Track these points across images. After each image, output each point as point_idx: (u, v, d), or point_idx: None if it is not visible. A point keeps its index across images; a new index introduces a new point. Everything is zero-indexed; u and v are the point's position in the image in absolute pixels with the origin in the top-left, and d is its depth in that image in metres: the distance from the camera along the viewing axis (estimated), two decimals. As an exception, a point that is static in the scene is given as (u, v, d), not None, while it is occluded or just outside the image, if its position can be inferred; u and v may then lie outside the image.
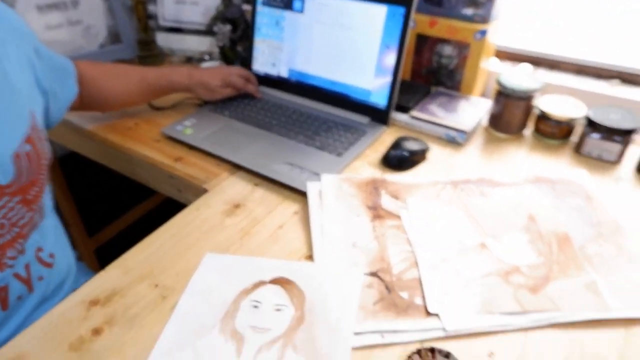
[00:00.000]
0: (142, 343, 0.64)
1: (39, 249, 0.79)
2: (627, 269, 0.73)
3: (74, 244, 1.43)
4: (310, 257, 0.76)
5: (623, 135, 0.95)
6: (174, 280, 0.72)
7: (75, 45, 1.33)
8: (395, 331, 0.65)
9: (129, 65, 1.11)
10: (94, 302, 0.69)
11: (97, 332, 0.65)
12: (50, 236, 0.83)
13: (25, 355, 0.62)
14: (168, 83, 1.10)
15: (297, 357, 0.61)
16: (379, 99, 1.07)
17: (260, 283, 0.70)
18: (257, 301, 0.68)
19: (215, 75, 1.14)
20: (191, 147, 1.03)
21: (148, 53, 1.42)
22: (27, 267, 0.77)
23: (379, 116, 1.09)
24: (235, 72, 1.17)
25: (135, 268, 0.74)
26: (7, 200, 0.71)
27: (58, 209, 1.41)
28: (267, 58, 1.22)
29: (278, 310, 0.66)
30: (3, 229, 0.71)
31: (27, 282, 0.77)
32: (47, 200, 0.83)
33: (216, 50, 1.39)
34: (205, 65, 1.38)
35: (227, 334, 0.64)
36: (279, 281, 0.71)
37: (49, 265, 0.81)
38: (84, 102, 1.00)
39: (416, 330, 0.65)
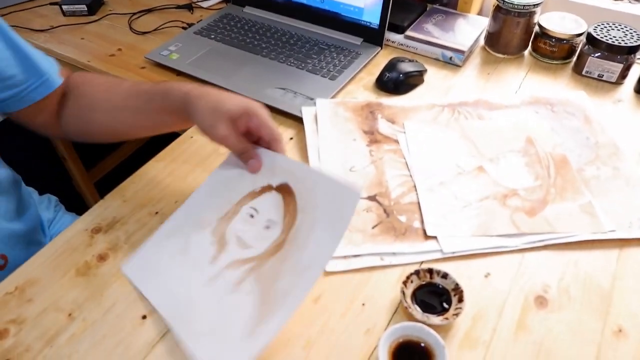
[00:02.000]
0: (147, 268, 0.67)
1: None
2: (623, 191, 0.76)
3: (72, 178, 1.44)
4: (308, 183, 0.78)
5: (625, 54, 0.95)
6: (174, 208, 0.73)
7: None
8: (394, 253, 0.68)
9: (126, 79, 0.79)
10: (96, 230, 0.71)
11: (102, 258, 0.68)
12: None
13: (36, 280, 0.66)
14: (162, 94, 0.70)
15: (251, 288, 0.62)
16: (372, 18, 1.06)
17: (268, 187, 0.69)
18: (255, 210, 0.68)
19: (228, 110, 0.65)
20: (179, 73, 1.02)
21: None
22: None
23: (372, 36, 1.07)
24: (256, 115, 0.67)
25: (134, 197, 0.76)
26: None
27: (51, 144, 1.40)
28: (253, -26, 1.18)
29: (267, 227, 0.67)
30: None
31: None
32: None
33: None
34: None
35: (217, 236, 0.66)
36: (284, 190, 0.69)
37: None
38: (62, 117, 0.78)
39: (414, 253, 0.69)
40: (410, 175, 0.79)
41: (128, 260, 0.67)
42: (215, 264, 0.64)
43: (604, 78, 0.99)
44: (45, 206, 0.98)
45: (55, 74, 0.76)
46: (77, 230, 0.71)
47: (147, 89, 0.71)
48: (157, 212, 0.74)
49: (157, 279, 0.65)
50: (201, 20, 1.17)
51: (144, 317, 0.62)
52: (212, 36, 1.11)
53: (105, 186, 1.11)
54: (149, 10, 1.25)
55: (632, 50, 0.95)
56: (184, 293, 0.63)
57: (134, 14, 1.23)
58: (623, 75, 0.98)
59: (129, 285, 0.65)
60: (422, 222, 0.72)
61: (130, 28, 1.18)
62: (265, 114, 0.66)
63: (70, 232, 0.71)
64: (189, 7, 1.26)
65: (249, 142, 0.67)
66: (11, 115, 0.76)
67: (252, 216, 0.67)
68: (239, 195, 0.69)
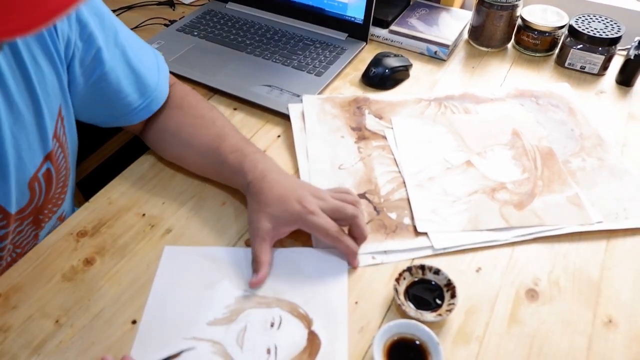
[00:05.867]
0: (135, 270, 0.65)
1: None
2: (608, 182, 0.76)
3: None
4: (296, 181, 0.77)
5: (606, 46, 0.95)
6: (161, 209, 0.72)
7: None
8: (385, 252, 0.68)
9: (220, 117, 0.77)
10: (82, 234, 0.69)
11: (88, 262, 0.66)
12: None
13: (20, 287, 0.63)
14: (232, 170, 0.70)
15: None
16: (356, 13, 1.04)
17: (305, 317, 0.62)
18: (280, 324, 0.61)
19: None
20: (162, 71, 0.99)
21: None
22: None
23: (357, 31, 1.06)
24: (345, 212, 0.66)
25: (120, 198, 0.74)
26: (16, 225, 0.67)
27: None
28: (235, -30, 1.16)
29: (268, 351, 0.59)
30: (3, 252, 0.67)
31: None
32: (67, 209, 0.78)
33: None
34: None
35: (230, 309, 0.62)
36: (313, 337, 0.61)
37: None
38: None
39: (406, 250, 0.68)
40: (399, 171, 0.78)
41: (175, 246, 0.68)
42: (208, 328, 0.60)
43: (586, 70, 0.99)
44: None
45: (162, 86, 0.76)
46: (62, 235, 0.69)
47: (224, 153, 0.71)
48: (144, 214, 0.72)
49: (173, 282, 0.64)
50: (183, 17, 1.15)
51: (134, 322, 0.60)
52: (195, 33, 1.08)
53: (88, 186, 1.09)
54: (130, 7, 1.22)
55: (613, 41, 0.95)
56: (176, 314, 0.61)
57: (114, 10, 1.20)
58: (605, 66, 0.98)
59: (117, 289, 0.63)
60: (412, 218, 0.71)
61: (111, 25, 1.15)
62: (309, 222, 0.64)
63: (55, 237, 0.69)
64: (171, 4, 1.23)
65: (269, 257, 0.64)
66: None
67: (272, 325, 0.61)
68: (276, 293, 0.64)
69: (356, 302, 0.62)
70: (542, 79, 0.98)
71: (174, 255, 0.67)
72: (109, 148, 1.55)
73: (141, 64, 0.73)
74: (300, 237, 0.69)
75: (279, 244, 0.68)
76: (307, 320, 0.61)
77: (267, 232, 0.64)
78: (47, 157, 0.66)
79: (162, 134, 0.77)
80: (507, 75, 0.99)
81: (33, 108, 0.62)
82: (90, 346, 0.57)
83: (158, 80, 0.75)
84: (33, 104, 0.62)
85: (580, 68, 0.99)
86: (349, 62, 1.01)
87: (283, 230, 0.65)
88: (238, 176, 0.69)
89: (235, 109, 0.90)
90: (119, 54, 0.70)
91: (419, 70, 1.01)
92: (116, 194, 0.75)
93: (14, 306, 0.61)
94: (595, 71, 0.98)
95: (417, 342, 0.56)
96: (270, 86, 0.93)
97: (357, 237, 0.65)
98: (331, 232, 0.63)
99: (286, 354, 0.57)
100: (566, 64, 1.00)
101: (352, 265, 0.66)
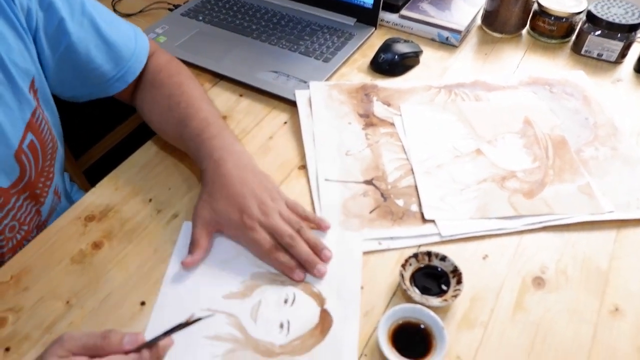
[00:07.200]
0: (142, 254, 0.70)
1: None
2: (621, 171, 0.79)
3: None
4: (303, 167, 0.81)
5: (626, 32, 0.97)
6: (167, 195, 0.76)
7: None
8: (392, 238, 0.71)
9: (186, 94, 0.79)
10: (90, 218, 0.74)
11: (96, 245, 0.71)
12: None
13: (30, 269, 0.68)
14: (195, 149, 0.74)
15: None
16: (366, -3, 1.08)
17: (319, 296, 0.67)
18: (293, 301, 0.66)
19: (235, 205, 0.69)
20: (167, 56, 1.03)
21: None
22: None
23: (366, 16, 1.09)
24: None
25: (127, 184, 0.78)
26: (15, 200, 0.72)
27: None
28: (242, -47, 1.19)
29: (281, 326, 0.63)
30: (12, 232, 0.73)
31: None
32: (59, 183, 0.83)
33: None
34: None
35: (245, 284, 0.68)
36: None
37: None
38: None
39: (412, 237, 0.72)
40: (407, 159, 0.81)
41: None
42: (224, 300, 0.65)
43: (603, 57, 1.01)
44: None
45: (139, 56, 0.80)
46: (70, 219, 0.74)
47: (186, 140, 0.76)
48: (150, 200, 0.76)
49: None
50: (187, 1, 1.18)
51: (143, 303, 0.64)
52: (200, 18, 1.12)
53: (94, 175, 1.13)
54: (134, -9, 1.25)
55: (632, 28, 0.97)
56: (195, 284, 0.67)
57: (119, -5, 1.24)
58: (623, 54, 1.00)
59: (126, 273, 0.68)
60: (419, 205, 0.75)
61: (115, 10, 1.19)
62: (244, 238, 0.68)
63: (64, 221, 0.73)
64: (175, -12, 1.27)
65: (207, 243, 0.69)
66: None
67: (285, 302, 0.66)
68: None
69: (362, 287, 0.66)
70: (556, 67, 1.01)
71: None
72: (115, 136, 1.60)
73: (113, 34, 0.76)
74: (307, 223, 0.73)
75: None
76: (320, 299, 0.65)
77: (208, 223, 0.69)
78: (28, 128, 0.70)
79: (149, 117, 0.82)
80: (521, 63, 1.02)
81: (6, 80, 0.66)
82: (101, 327, 0.62)
83: (134, 50, 0.79)
84: (5, 75, 0.66)
85: (597, 55, 1.02)
86: (358, 48, 1.05)
87: (223, 229, 0.70)
88: (198, 162, 0.74)
89: (241, 95, 0.94)
90: (87, 23, 0.73)
91: (430, 56, 1.04)
92: (122, 180, 0.79)
93: (25, 287, 0.66)
94: (613, 59, 1.01)
95: (422, 326, 0.60)
96: (276, 72, 0.97)
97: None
98: (263, 249, 0.67)
99: (298, 330, 0.63)
100: (582, 51, 1.03)
101: (293, 279, 0.67)
